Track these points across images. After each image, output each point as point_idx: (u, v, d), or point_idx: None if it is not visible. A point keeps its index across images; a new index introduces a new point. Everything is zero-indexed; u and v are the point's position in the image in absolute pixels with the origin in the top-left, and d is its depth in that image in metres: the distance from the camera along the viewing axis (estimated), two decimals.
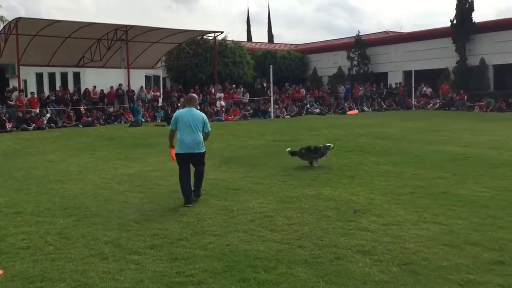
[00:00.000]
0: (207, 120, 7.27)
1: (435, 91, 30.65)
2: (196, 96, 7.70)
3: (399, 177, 8.52)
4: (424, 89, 30.96)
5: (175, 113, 7.38)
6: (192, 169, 7.24)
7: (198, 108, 7.58)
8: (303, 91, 31.76)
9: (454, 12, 29.24)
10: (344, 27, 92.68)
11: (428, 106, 29.43)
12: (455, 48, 29.34)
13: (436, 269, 4.34)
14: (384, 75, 34.49)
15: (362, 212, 6.28)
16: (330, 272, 4.33)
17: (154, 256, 4.85)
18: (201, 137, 7.09)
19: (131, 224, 5.99)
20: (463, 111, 26.87)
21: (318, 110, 29.00)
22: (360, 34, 35.19)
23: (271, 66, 26.54)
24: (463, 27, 28.63)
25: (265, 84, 30.44)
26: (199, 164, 7.25)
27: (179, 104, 26.53)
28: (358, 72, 34.72)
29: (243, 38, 50.71)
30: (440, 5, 76.48)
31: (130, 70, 27.12)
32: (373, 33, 40.37)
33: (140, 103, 24.60)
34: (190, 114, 7.08)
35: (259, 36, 70.90)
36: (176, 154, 7.12)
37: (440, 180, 8.18)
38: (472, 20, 28.80)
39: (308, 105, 29.93)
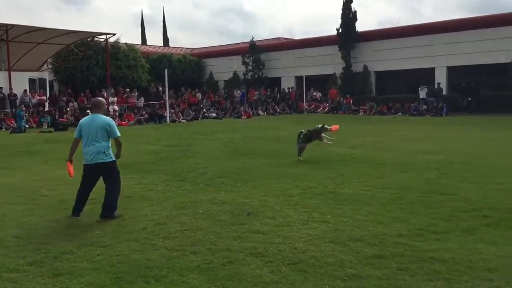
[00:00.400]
0: (114, 124, 6.52)
1: (324, 96, 32.29)
2: (103, 100, 6.90)
3: (290, 179, 8.81)
4: (314, 93, 32.48)
5: (80, 121, 6.72)
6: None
7: (106, 113, 6.93)
8: (199, 95, 31.72)
9: (340, 21, 31.05)
10: (239, 32, 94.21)
11: (318, 110, 30.91)
12: (341, 55, 31.17)
13: (323, 266, 4.54)
14: (278, 80, 35.62)
15: (255, 215, 6.39)
16: (222, 277, 4.35)
17: (35, 272, 4.52)
18: (106, 144, 6.37)
19: (9, 240, 5.53)
20: (349, 114, 28.60)
21: (214, 114, 29.12)
22: (254, 39, 36.02)
23: (166, 70, 26.15)
24: (348, 36, 30.51)
25: (160, 88, 29.91)
26: (108, 177, 6.48)
27: (68, 109, 25.15)
28: (253, 77, 35.49)
29: (138, 41, 49.38)
30: (328, 13, 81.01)
31: (12, 72, 25.09)
32: (266, 39, 41.52)
33: (24, 108, 22.86)
34: (93, 120, 6.43)
35: (154, 39, 69.52)
36: (83, 166, 6.46)
37: (328, 180, 8.60)
38: (355, 29, 30.80)
39: (204, 110, 29.94)
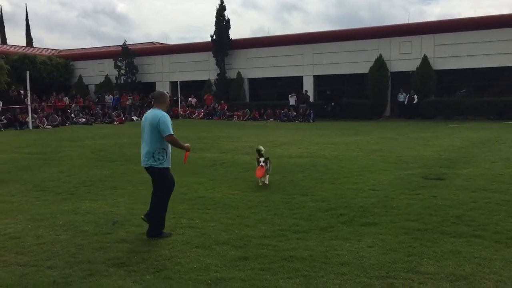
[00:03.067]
0: (165, 121, 5.56)
1: (199, 102, 32.42)
2: (165, 94, 6.02)
3: None
4: (190, 99, 32.46)
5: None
6: None
7: (167, 108, 5.96)
8: (66, 99, 29.86)
9: (214, 28, 31.45)
10: (111, 35, 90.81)
11: (194, 116, 30.95)
12: (215, 62, 31.59)
13: (188, 272, 4.53)
14: (152, 85, 34.94)
15: (121, 223, 6.18)
16: None
17: None
18: (156, 146, 5.54)
19: None
20: (224, 120, 29.07)
21: (84, 120, 27.63)
22: (127, 43, 34.92)
23: (27, 72, 24.21)
24: (222, 43, 31.04)
25: (22, 92, 27.57)
26: (156, 183, 5.71)
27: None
28: (126, 81, 34.38)
29: None
30: (203, 20, 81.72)
31: None
32: (140, 43, 40.50)
33: None
34: (149, 115, 5.67)
35: (16, 39, 64.10)
36: None
37: (198, 185, 8.63)
38: (229, 36, 31.44)
39: (73, 115, 28.27)
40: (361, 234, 5.59)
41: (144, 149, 5.68)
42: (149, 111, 5.87)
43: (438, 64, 25.94)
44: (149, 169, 5.68)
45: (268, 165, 8.55)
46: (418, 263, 4.64)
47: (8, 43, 46.30)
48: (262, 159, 8.42)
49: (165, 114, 5.70)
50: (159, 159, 5.60)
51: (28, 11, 68.10)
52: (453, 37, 25.59)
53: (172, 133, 5.61)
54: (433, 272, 4.40)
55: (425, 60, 25.83)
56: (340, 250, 5.05)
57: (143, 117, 5.88)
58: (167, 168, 5.71)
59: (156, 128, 5.55)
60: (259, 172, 8.34)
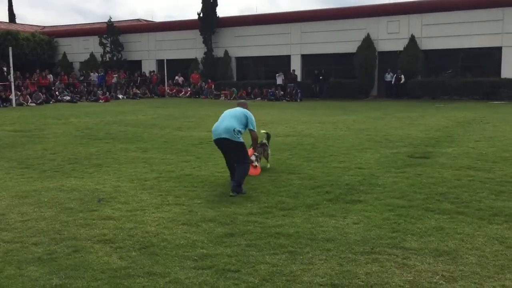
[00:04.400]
0: (251, 117, 6.89)
1: (186, 80, 32.15)
2: (246, 102, 7.48)
3: (147, 163, 8.64)
4: (176, 78, 32.17)
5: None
6: None
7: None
8: (50, 77, 29.35)
9: (201, 6, 31.01)
10: (96, 12, 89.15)
11: (180, 94, 30.72)
12: (202, 40, 31.24)
13: (174, 248, 4.53)
14: (138, 63, 34.55)
15: (107, 201, 6.15)
16: (66, 267, 4.10)
17: None
18: (236, 125, 6.66)
19: None
20: (211, 99, 28.90)
21: (68, 98, 27.27)
22: (112, 20, 34.34)
23: (10, 48, 23.73)
24: (209, 21, 30.66)
25: (5, 69, 27.04)
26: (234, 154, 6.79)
27: None
28: (112, 59, 33.90)
29: None
30: None
31: None
32: (125, 20, 39.85)
33: None
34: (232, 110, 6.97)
35: None
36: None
37: (185, 163, 8.60)
38: (216, 14, 31.05)
39: (57, 92, 27.86)
40: (347, 211, 5.63)
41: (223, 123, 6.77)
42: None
43: (426, 44, 25.97)
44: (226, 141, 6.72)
45: (265, 152, 8.08)
46: (402, 239, 4.70)
47: None
48: (253, 157, 7.51)
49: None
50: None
51: None
52: (440, 17, 25.57)
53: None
54: (417, 248, 4.46)
55: (412, 40, 25.83)
56: (326, 227, 5.09)
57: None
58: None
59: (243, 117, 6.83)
60: (254, 171, 7.52)
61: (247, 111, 6.96)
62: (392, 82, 26.33)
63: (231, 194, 6.39)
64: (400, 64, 26.02)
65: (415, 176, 7.28)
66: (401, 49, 26.12)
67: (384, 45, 26.98)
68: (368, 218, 5.35)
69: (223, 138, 6.62)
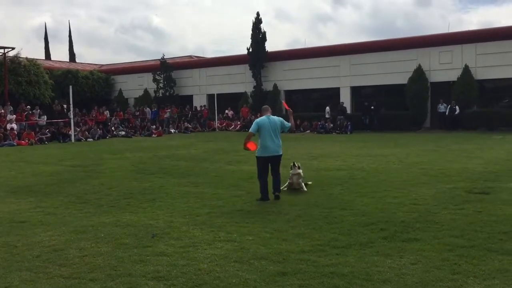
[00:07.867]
0: (282, 119, 8.41)
1: (236, 114, 32.65)
2: (268, 107, 8.68)
3: (199, 198, 8.74)
4: (226, 112, 32.77)
5: (256, 120, 8.44)
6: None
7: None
8: (107, 113, 30.66)
9: (250, 41, 31.73)
10: (149, 49, 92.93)
11: (230, 128, 31.17)
12: (251, 74, 31.81)
13: (226, 287, 4.50)
14: (189, 98, 35.50)
15: (160, 236, 6.23)
16: None
17: None
18: (280, 141, 8.22)
19: None
20: None
21: (123, 133, 28.28)
22: (165, 57, 35.67)
23: (70, 87, 25.03)
24: (258, 55, 31.25)
25: (65, 106, 28.53)
26: (277, 165, 8.44)
27: None
28: (164, 94, 35.05)
29: (41, 55, 46.86)
30: (239, 33, 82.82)
31: None
32: (178, 57, 41.29)
33: None
34: (269, 119, 8.23)
35: (59, 54, 66.61)
36: (258, 158, 8.30)
37: (236, 198, 8.64)
38: (265, 49, 31.64)
39: (113, 128, 28.98)
40: (403, 250, 5.43)
41: (275, 142, 8.20)
42: (263, 117, 8.34)
43: (481, 74, 25.24)
44: (278, 157, 8.33)
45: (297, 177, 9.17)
46: (464, 281, 4.46)
47: (52, 58, 48.08)
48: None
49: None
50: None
51: (71, 27, 70.67)
52: (495, 46, 24.90)
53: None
54: None
55: (466, 69, 25.20)
56: (382, 267, 4.92)
57: (261, 122, 8.26)
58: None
59: (280, 126, 8.27)
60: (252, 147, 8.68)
61: (275, 116, 8.36)
62: (446, 113, 25.64)
63: (276, 193, 8.17)
64: (454, 95, 25.36)
65: (475, 213, 6.96)
66: (455, 79, 25.52)
67: (436, 75, 26.49)
68: (426, 258, 5.13)
69: (280, 155, 8.18)
